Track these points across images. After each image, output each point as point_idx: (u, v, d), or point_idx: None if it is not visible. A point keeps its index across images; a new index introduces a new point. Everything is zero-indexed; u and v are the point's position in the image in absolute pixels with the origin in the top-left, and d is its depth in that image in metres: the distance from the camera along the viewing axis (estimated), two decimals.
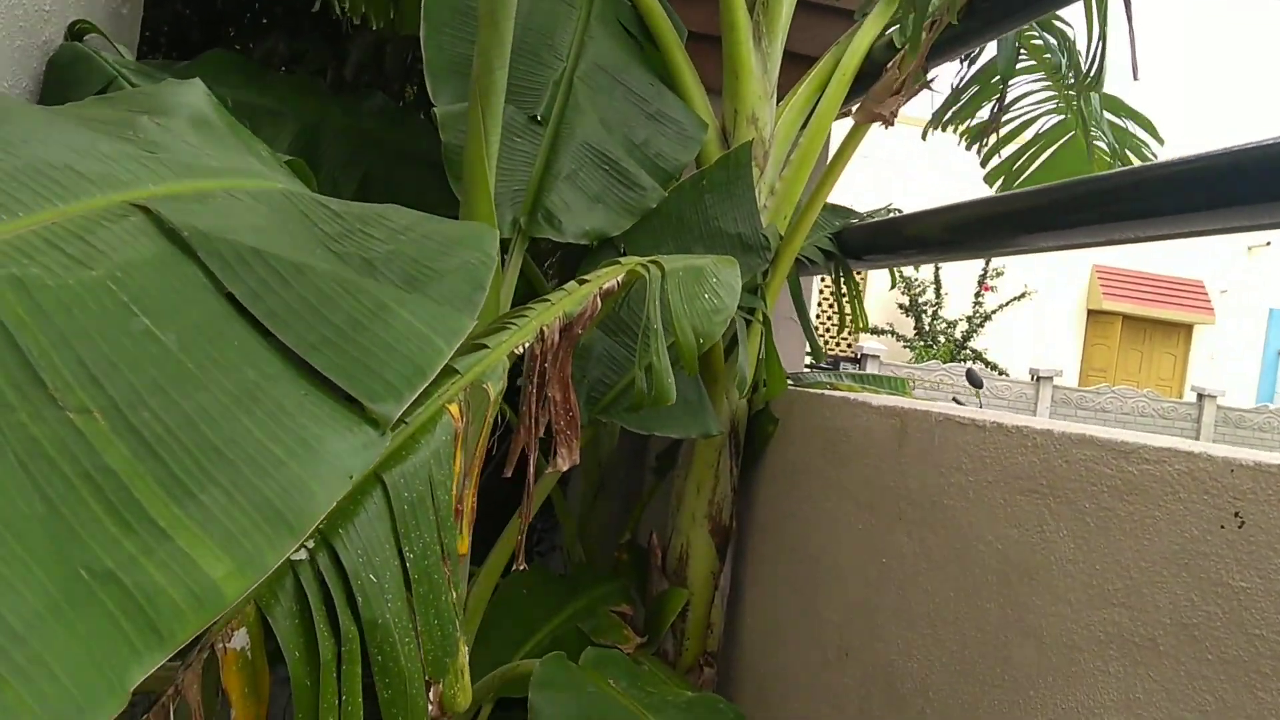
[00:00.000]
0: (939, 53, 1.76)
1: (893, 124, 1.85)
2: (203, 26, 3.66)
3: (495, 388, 1.27)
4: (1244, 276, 18.46)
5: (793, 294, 2.20)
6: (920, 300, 17.08)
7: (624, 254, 1.93)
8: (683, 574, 2.09)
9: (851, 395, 1.78)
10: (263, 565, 0.70)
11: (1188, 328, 18.61)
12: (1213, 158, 1.37)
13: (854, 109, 1.95)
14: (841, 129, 2.16)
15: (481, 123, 1.57)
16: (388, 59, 3.24)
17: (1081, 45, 1.75)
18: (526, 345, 1.34)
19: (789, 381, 2.06)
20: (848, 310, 2.21)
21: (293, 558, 1.04)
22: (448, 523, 1.17)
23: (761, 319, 1.99)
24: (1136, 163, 2.45)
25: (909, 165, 16.06)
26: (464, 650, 1.15)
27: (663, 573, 2.12)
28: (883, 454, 1.61)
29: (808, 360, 2.84)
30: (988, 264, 17.84)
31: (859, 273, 2.26)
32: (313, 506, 0.75)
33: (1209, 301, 18.31)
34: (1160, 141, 2.47)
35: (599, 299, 1.45)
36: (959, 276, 17.23)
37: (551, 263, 2.19)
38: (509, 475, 1.45)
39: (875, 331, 16.67)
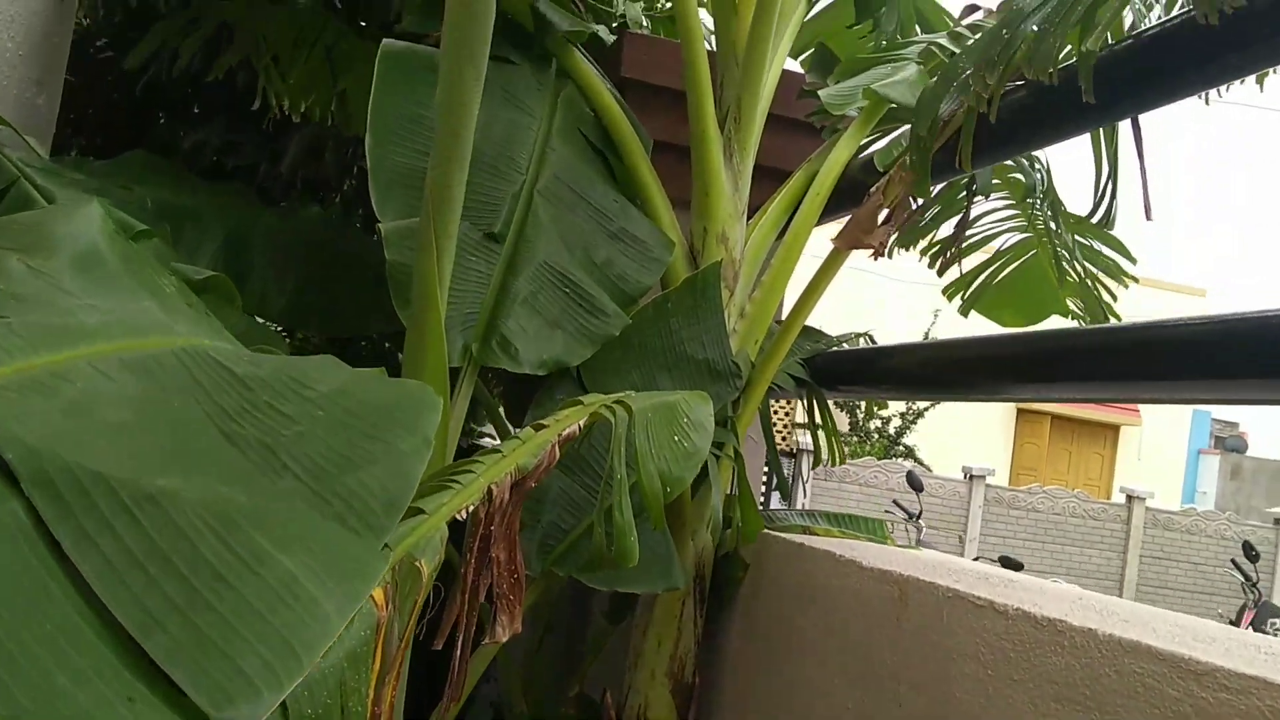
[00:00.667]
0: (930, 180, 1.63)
1: (883, 255, 1.72)
2: (133, 113, 3.46)
3: (430, 563, 1.06)
4: None
5: (763, 425, 2.03)
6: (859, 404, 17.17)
7: (581, 381, 1.75)
8: None
9: (837, 549, 1.60)
10: None
11: (1115, 428, 18.98)
12: (1226, 322, 1.23)
13: (834, 236, 1.82)
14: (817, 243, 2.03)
15: (434, 242, 1.40)
16: (328, 154, 3.07)
17: (1085, 181, 1.66)
18: (472, 506, 1.14)
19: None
20: (823, 444, 2.06)
21: None
22: None
23: (733, 454, 1.82)
24: (1108, 283, 2.36)
25: (869, 270, 16.25)
26: None
27: None
28: (877, 624, 1.43)
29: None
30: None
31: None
32: None
33: (1135, 403, 18.71)
34: (1132, 260, 2.38)
35: (557, 448, 1.26)
36: None
37: (498, 391, 2.01)
38: (438, 648, 1.24)
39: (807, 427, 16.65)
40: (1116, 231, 2.38)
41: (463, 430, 1.60)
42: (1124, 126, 1.48)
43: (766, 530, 1.83)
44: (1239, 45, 1.21)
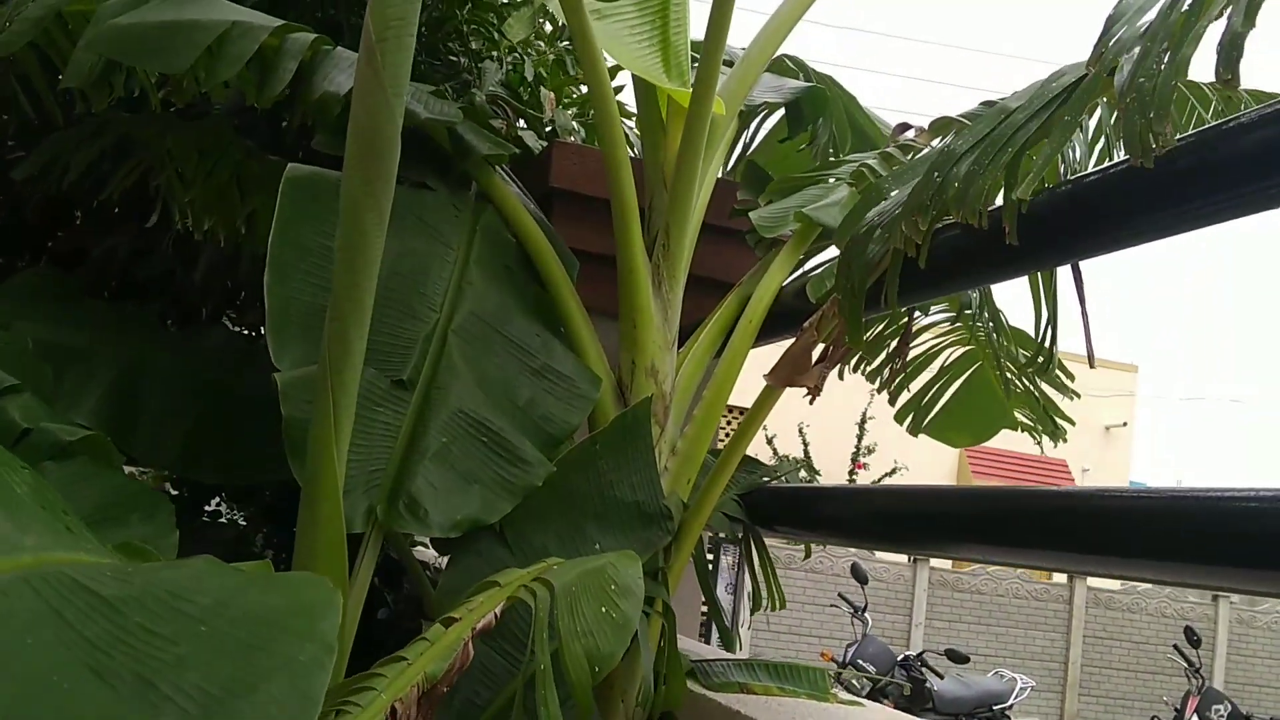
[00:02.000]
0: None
1: (819, 394, 1.63)
2: (45, 213, 3.30)
3: None
4: (1103, 455, 19.22)
5: (698, 570, 1.92)
6: (795, 480, 17.09)
7: (503, 535, 1.62)
8: None
9: (772, 717, 1.48)
10: None
11: None
12: (1186, 497, 1.14)
13: (766, 372, 1.73)
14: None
15: (330, 397, 1.28)
16: (243, 263, 2.94)
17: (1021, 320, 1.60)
18: None
19: (690, 676, 1.76)
20: (762, 586, 1.94)
21: None
22: None
23: (662, 609, 1.69)
24: (1054, 397, 2.31)
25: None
26: None
27: None
28: None
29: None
30: (860, 440, 18.07)
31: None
32: None
33: (1072, 479, 18.92)
34: (1071, 377, 2.34)
35: (470, 645, 1.14)
36: (831, 455, 17.38)
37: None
38: None
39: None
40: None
41: (376, 602, 1.46)
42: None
43: (700, 689, 1.70)
44: (1180, 199, 1.15)
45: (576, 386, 1.71)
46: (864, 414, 15.72)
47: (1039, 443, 2.65)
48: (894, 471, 18.26)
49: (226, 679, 0.75)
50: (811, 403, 1.62)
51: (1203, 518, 1.03)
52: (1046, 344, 1.52)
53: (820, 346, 1.66)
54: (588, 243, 2.03)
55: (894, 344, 2.39)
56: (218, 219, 2.22)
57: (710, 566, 2.29)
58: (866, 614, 8.90)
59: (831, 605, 9.32)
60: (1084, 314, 1.32)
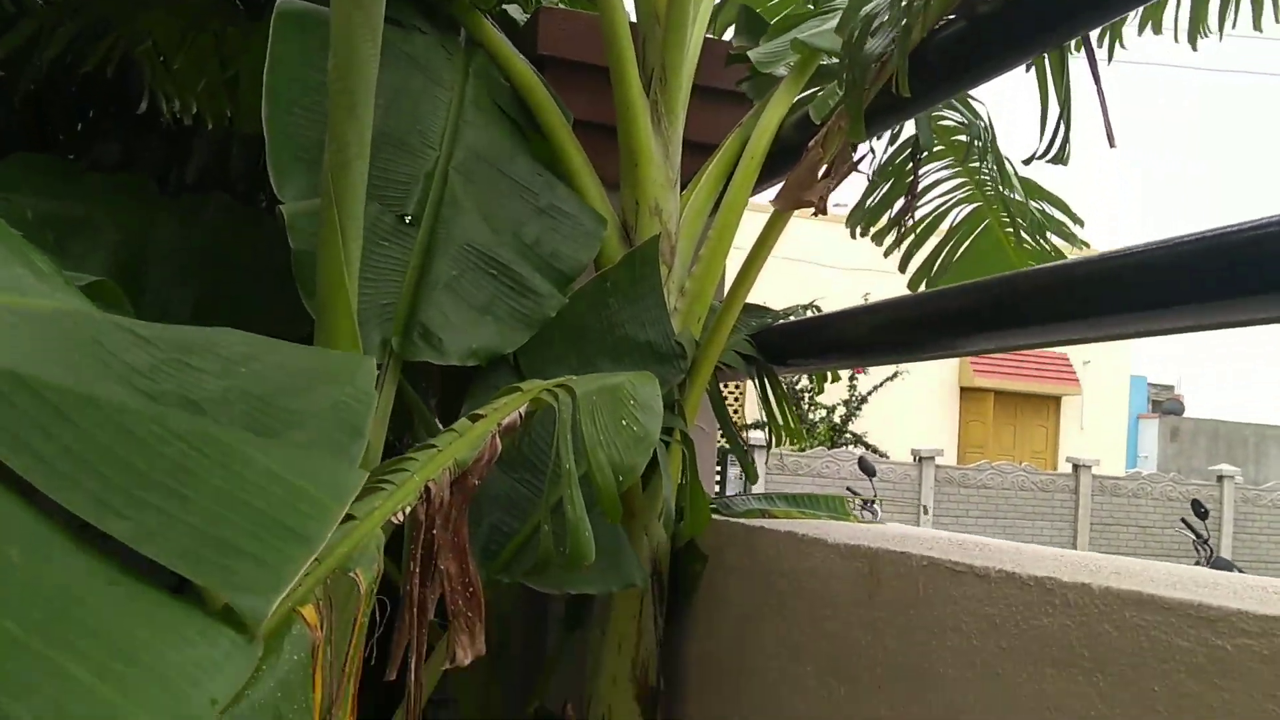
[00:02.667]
0: (867, 127, 1.54)
1: (825, 211, 1.62)
2: (26, 135, 3.26)
3: (367, 575, 0.94)
4: (1104, 346, 19.27)
5: (713, 404, 1.93)
6: (797, 387, 17.15)
7: (518, 368, 1.63)
8: None
9: (799, 529, 1.50)
10: None
11: (1056, 400, 19.24)
12: (1162, 249, 1.14)
13: (773, 198, 1.72)
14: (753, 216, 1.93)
15: (338, 224, 1.27)
16: (234, 158, 2.91)
17: (1028, 118, 1.58)
18: (408, 510, 1.02)
19: (713, 510, 1.78)
20: (779, 418, 1.95)
21: None
22: None
23: (680, 438, 1.71)
24: (1059, 244, 2.30)
25: (830, 262, 16.19)
26: None
27: None
28: (848, 605, 1.33)
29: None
30: None
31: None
32: None
33: (1074, 373, 19.00)
34: (1079, 223, 2.32)
35: (498, 438, 1.14)
36: None
37: (428, 385, 1.88)
38: (393, 679, 1.12)
39: (757, 426, 16.60)
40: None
41: (387, 442, 1.46)
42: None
43: (722, 517, 1.73)
44: None
45: (582, 225, 1.70)
46: (865, 298, 15.72)
47: None
48: (895, 375, 18.32)
49: (273, 410, 0.75)
50: (817, 215, 1.61)
51: (1199, 258, 1.04)
52: (1060, 135, 1.50)
53: (824, 166, 1.64)
54: (577, 110, 1.99)
55: (899, 204, 2.37)
56: (205, 101, 2.20)
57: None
58: (876, 506, 9.01)
59: None
60: (1100, 93, 1.30)
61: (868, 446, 16.64)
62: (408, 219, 1.50)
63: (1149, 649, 0.88)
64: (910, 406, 18.08)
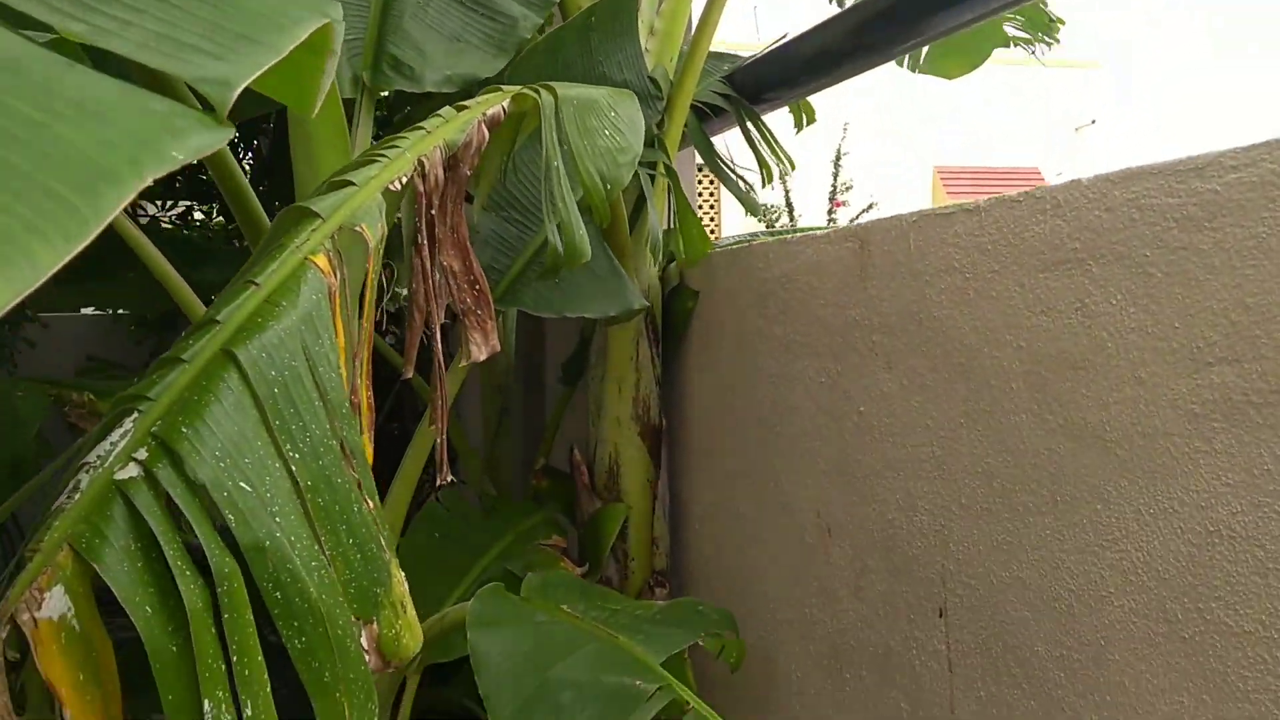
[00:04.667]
0: None
1: None
2: None
3: (374, 232, 0.95)
4: (1075, 156, 19.26)
5: (697, 145, 1.92)
6: (776, 224, 17.09)
7: None
8: (615, 488, 1.82)
9: (787, 236, 1.53)
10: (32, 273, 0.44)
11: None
12: None
13: None
14: None
15: None
16: None
17: None
18: (405, 179, 1.03)
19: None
20: (766, 154, 1.95)
21: (120, 475, 0.72)
22: (341, 409, 0.86)
23: (665, 171, 1.72)
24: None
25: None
26: (399, 576, 0.85)
27: (592, 491, 1.84)
28: (841, 287, 1.36)
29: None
30: (835, 179, 17.96)
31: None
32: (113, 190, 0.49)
33: (1046, 184, 19.01)
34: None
35: (484, 127, 1.15)
36: (810, 199, 17.31)
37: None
38: (409, 376, 1.15)
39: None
40: None
41: None
42: None
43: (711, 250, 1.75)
44: None
45: None
46: (838, 150, 15.55)
47: (1034, 52, 2.60)
48: (871, 207, 18.27)
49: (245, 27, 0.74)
50: None
51: None
52: None
53: None
54: None
55: None
56: None
57: None
58: None
59: None
60: None
61: None
62: None
63: (1139, 218, 0.91)
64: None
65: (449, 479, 1.07)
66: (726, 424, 1.70)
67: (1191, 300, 0.86)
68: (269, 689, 0.71)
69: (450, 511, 1.88)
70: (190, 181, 2.90)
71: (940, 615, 1.19)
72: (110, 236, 1.34)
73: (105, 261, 1.94)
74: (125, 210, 0.99)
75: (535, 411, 2.20)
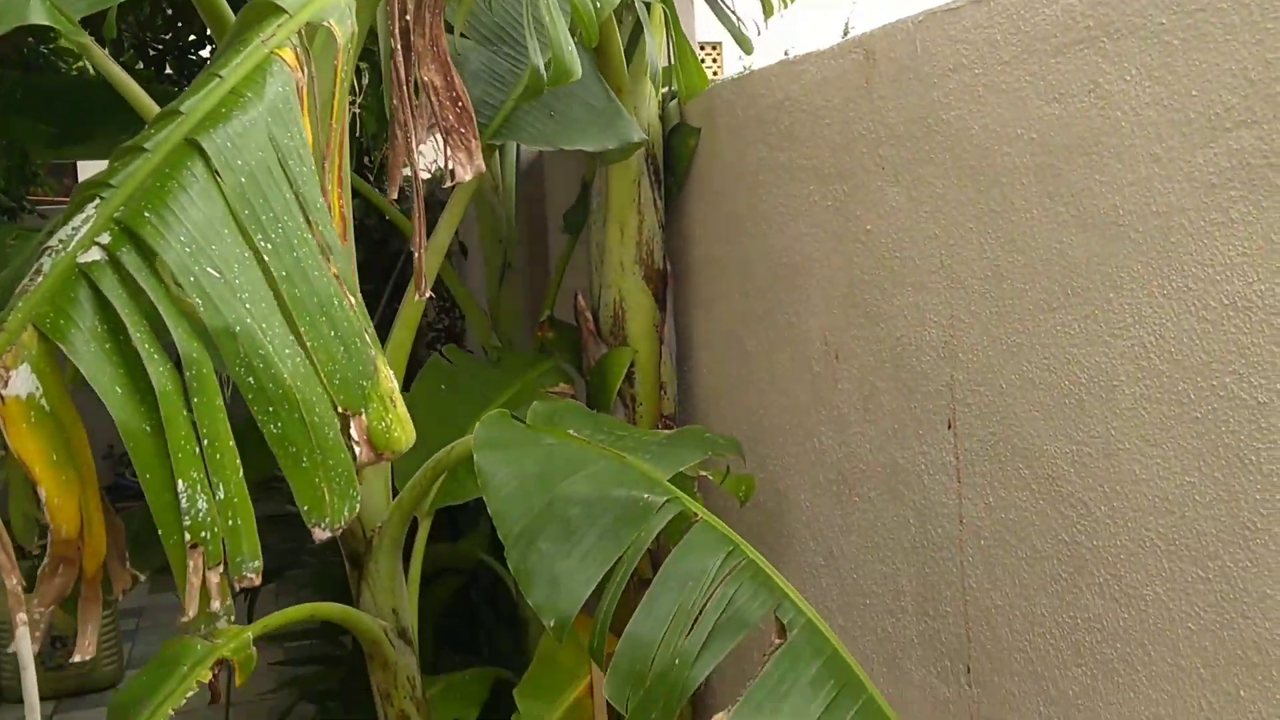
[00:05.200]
0: None
1: None
2: None
3: (342, 29, 0.91)
4: None
5: None
6: None
7: None
8: (621, 332, 1.80)
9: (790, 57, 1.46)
10: None
11: None
12: None
13: None
14: None
15: None
16: None
17: None
18: None
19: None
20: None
21: (83, 259, 0.69)
22: (315, 204, 0.83)
23: None
24: None
25: None
26: (386, 371, 0.83)
27: (598, 336, 1.82)
28: (845, 102, 1.30)
29: None
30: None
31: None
32: None
33: None
34: None
35: None
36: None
37: None
38: (394, 198, 1.11)
39: None
40: None
41: None
42: None
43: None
44: None
45: None
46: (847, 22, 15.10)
47: None
48: None
49: None
50: None
51: None
52: None
53: None
54: None
55: None
56: None
57: None
58: None
59: None
60: None
61: None
62: None
63: None
64: None
65: (428, 293, 1.04)
66: (732, 263, 1.66)
67: (1210, 64, 0.81)
68: (241, 474, 0.70)
69: (455, 365, 1.87)
70: None
71: (949, 427, 1.17)
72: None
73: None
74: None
75: (539, 264, 2.16)
